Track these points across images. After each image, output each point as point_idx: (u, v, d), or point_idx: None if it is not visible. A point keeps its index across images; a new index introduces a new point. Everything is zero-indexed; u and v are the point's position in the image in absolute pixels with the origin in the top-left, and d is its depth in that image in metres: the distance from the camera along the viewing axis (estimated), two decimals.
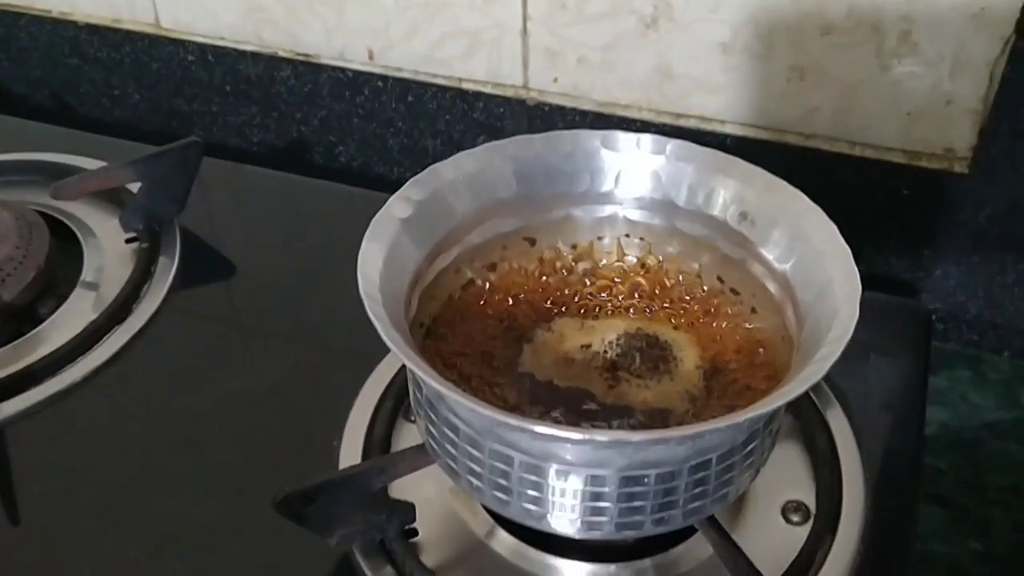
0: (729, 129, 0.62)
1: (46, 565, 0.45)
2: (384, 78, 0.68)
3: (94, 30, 0.75)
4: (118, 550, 0.45)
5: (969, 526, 0.57)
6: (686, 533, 0.43)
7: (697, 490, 0.36)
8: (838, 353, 0.34)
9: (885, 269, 0.63)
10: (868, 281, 0.56)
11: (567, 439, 0.33)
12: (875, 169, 0.60)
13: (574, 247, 0.47)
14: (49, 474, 0.49)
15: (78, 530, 0.46)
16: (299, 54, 0.70)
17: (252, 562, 0.45)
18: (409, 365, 0.34)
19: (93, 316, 0.55)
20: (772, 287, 0.42)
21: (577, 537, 0.38)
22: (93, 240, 0.60)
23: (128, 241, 0.60)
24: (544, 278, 0.47)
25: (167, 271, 0.58)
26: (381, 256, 0.39)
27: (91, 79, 0.78)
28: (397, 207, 0.41)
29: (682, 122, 0.63)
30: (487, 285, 0.46)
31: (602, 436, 0.32)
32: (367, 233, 0.39)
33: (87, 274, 0.58)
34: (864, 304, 0.55)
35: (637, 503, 0.36)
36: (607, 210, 0.46)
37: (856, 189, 0.61)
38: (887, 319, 0.54)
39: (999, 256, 0.60)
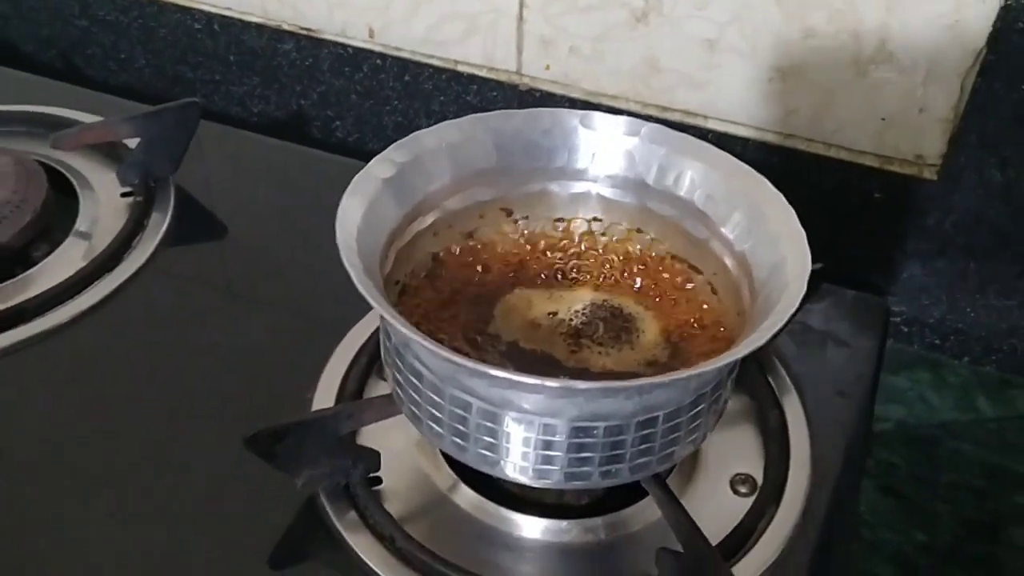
0: (712, 124, 0.64)
1: (26, 496, 0.47)
2: (383, 56, 0.71)
3: None
4: (94, 483, 0.47)
5: (917, 518, 0.59)
6: (636, 496, 0.46)
7: (644, 446, 0.38)
8: (781, 323, 0.36)
9: (854, 268, 0.65)
10: (836, 279, 0.58)
11: (521, 383, 0.35)
12: (849, 171, 0.62)
13: (548, 219, 0.49)
14: (32, 408, 0.51)
15: (56, 460, 0.48)
16: (302, 28, 0.72)
17: (222, 500, 0.47)
18: (379, 309, 0.36)
19: (83, 263, 0.57)
20: (731, 265, 0.44)
21: (528, 483, 0.40)
22: (89, 192, 0.62)
23: (123, 195, 0.62)
24: (517, 247, 0.49)
25: (159, 226, 0.60)
26: (360, 211, 0.41)
27: (99, 41, 0.80)
28: (379, 167, 0.43)
29: (667, 115, 0.65)
30: (461, 250, 0.48)
31: (553, 383, 0.34)
32: (348, 188, 0.42)
33: (81, 223, 0.60)
34: (825, 296, 0.57)
35: (586, 454, 0.38)
36: (582, 186, 0.48)
37: (830, 189, 0.63)
38: (847, 311, 0.56)
39: (962, 263, 0.62)
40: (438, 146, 0.46)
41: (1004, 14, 0.53)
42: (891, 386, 0.65)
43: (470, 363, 0.35)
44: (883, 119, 0.60)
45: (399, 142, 0.45)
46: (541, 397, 0.36)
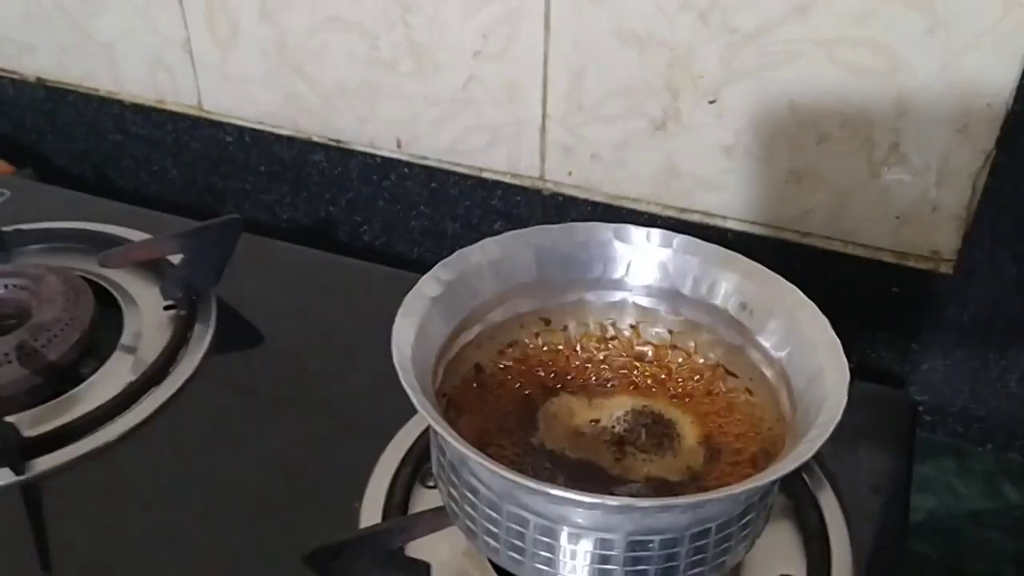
0: (731, 224, 0.67)
1: None
2: (410, 165, 0.73)
3: (139, 109, 0.80)
4: None
5: None
6: None
7: (697, 557, 0.39)
8: (827, 435, 0.38)
9: (875, 361, 0.67)
10: (859, 372, 0.60)
11: (580, 502, 0.36)
12: (866, 267, 0.64)
13: (586, 328, 0.51)
14: (82, 527, 0.52)
15: None
16: (332, 140, 0.75)
17: None
18: (438, 429, 0.38)
19: (131, 378, 0.58)
20: (769, 373, 0.46)
21: None
22: (133, 307, 0.64)
23: (166, 308, 0.64)
24: (557, 356, 0.50)
25: (203, 338, 0.62)
26: (413, 330, 0.43)
27: (132, 154, 0.83)
28: (428, 286, 0.45)
29: (686, 216, 0.68)
30: (504, 361, 0.49)
31: (613, 501, 0.36)
32: (401, 309, 0.43)
33: (127, 338, 0.62)
34: (854, 393, 0.59)
35: (642, 567, 0.39)
36: (618, 296, 0.50)
37: (849, 285, 0.65)
38: (875, 408, 0.58)
39: (981, 353, 0.64)
40: (481, 262, 0.48)
41: (1011, 117, 0.56)
42: (918, 475, 0.66)
43: (530, 482, 0.36)
44: (898, 217, 0.62)
45: (444, 261, 0.47)
46: (599, 513, 0.38)
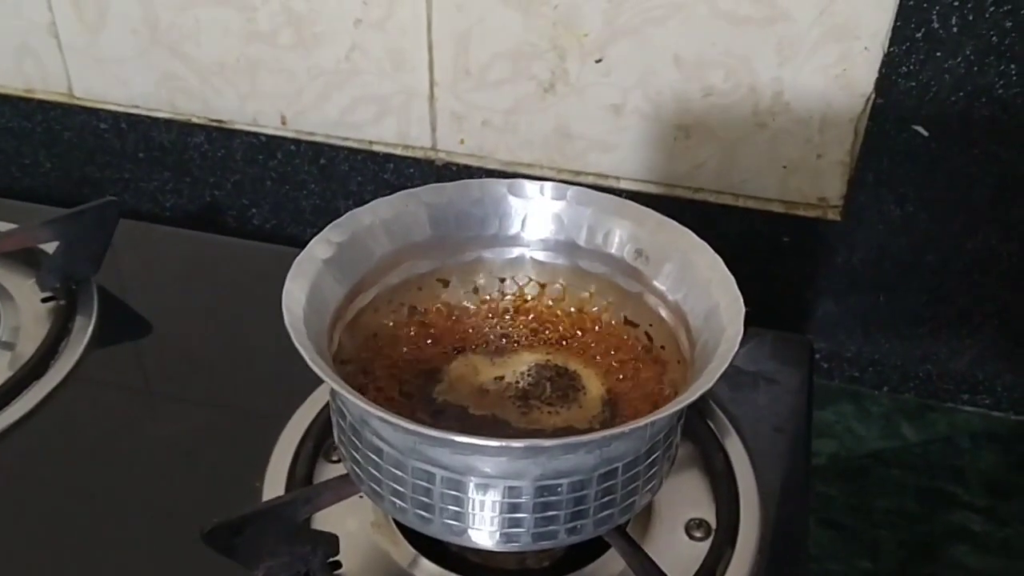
0: (624, 185, 0.67)
1: None
2: (297, 142, 0.71)
3: (5, 99, 0.76)
4: None
5: (859, 546, 0.61)
6: (596, 553, 0.46)
7: (606, 499, 0.39)
8: (725, 365, 0.38)
9: (772, 311, 0.68)
10: (757, 322, 0.61)
11: (486, 448, 0.35)
12: (757, 219, 0.65)
13: (485, 286, 0.50)
14: None
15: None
16: (212, 120, 0.72)
17: None
18: (337, 388, 0.37)
19: (8, 374, 0.55)
20: (667, 316, 0.46)
21: (496, 549, 0.40)
22: (9, 301, 0.60)
23: (44, 300, 0.61)
24: (457, 316, 0.49)
25: (84, 329, 0.59)
26: (304, 292, 0.42)
27: (2, 148, 0.79)
28: (319, 248, 0.44)
29: (581, 179, 0.67)
30: (403, 323, 0.48)
31: (518, 443, 0.35)
32: (291, 271, 0.42)
33: (3, 333, 0.58)
34: (752, 339, 0.60)
35: (551, 512, 0.38)
36: (515, 251, 0.49)
37: (741, 237, 0.66)
38: (772, 351, 0.59)
39: (872, 296, 0.66)
40: (373, 222, 0.46)
41: (888, 61, 0.57)
42: (819, 421, 0.68)
43: (434, 432, 0.35)
44: (785, 167, 0.63)
45: (336, 222, 0.45)
46: (505, 460, 0.37)
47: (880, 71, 0.58)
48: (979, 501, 0.64)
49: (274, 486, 0.50)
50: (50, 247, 0.61)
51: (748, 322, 0.53)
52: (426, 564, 0.46)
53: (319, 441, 0.52)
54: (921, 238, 0.63)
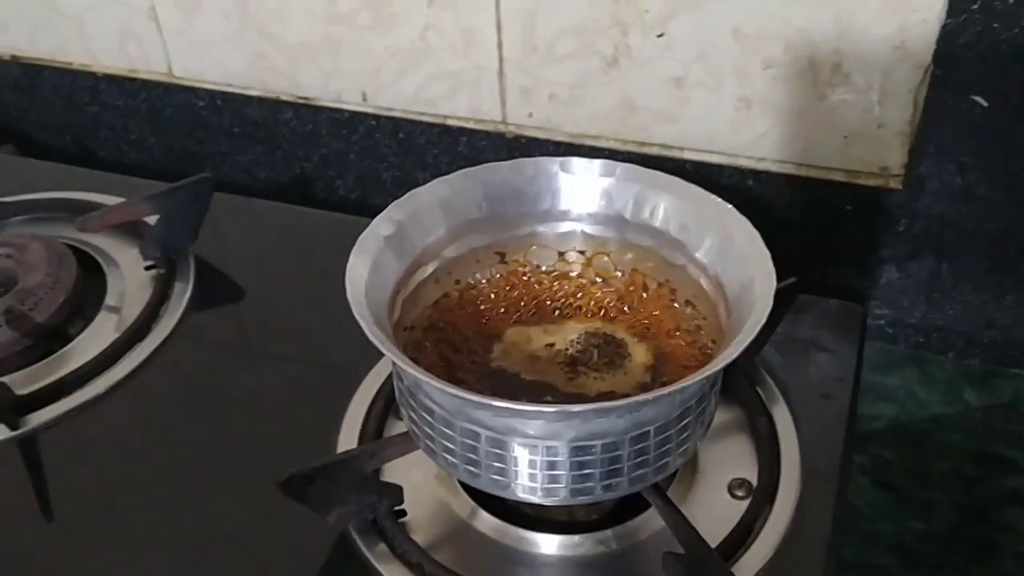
0: (688, 155, 0.69)
1: (80, 560, 0.51)
2: (377, 117, 0.75)
3: (112, 79, 0.82)
4: (142, 539, 0.51)
5: (913, 509, 0.63)
6: (641, 508, 0.49)
7: (639, 459, 0.42)
8: (751, 337, 0.40)
9: (836, 279, 0.69)
10: (820, 289, 0.62)
11: (522, 412, 0.39)
12: (819, 187, 0.66)
13: (539, 258, 0.53)
14: (78, 474, 0.55)
15: (105, 521, 0.52)
16: (300, 97, 0.77)
17: (261, 544, 0.51)
18: (389, 355, 0.41)
19: (116, 335, 0.61)
20: (708, 288, 0.48)
21: (538, 502, 0.43)
22: (115, 269, 0.67)
23: (147, 268, 0.66)
24: (512, 287, 0.53)
25: (183, 295, 0.65)
26: (366, 267, 0.46)
27: (109, 125, 0.85)
28: (381, 226, 0.48)
29: (645, 150, 0.69)
30: (462, 294, 0.52)
31: (549, 408, 0.38)
32: (354, 248, 0.46)
33: (110, 299, 0.64)
34: (807, 308, 0.61)
35: (587, 471, 0.42)
36: (567, 226, 0.52)
37: (804, 207, 0.67)
38: (827, 320, 0.60)
39: (935, 263, 0.66)
40: (432, 201, 0.50)
41: (945, 32, 0.57)
42: (881, 386, 0.69)
43: (475, 396, 0.39)
44: (846, 137, 0.64)
45: (396, 201, 0.49)
46: (541, 423, 0.40)
47: (937, 43, 0.58)
48: None
49: (348, 440, 0.54)
50: (152, 219, 0.67)
51: (807, 290, 0.55)
52: (483, 515, 0.50)
53: (389, 400, 0.56)
54: (982, 206, 0.63)
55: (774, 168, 0.67)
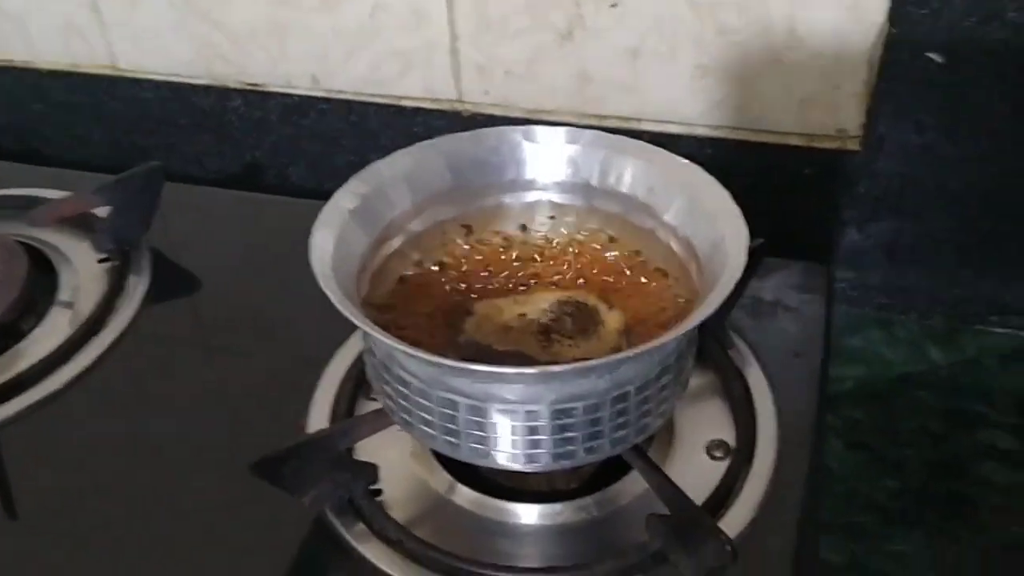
0: (645, 126, 0.68)
1: (43, 558, 0.49)
2: (328, 101, 0.74)
3: (55, 75, 0.80)
4: (111, 535, 0.50)
5: (885, 466, 0.63)
6: (621, 472, 0.49)
7: (620, 420, 0.42)
8: (726, 293, 0.40)
9: (796, 243, 0.69)
10: (781, 254, 0.62)
11: (503, 375, 0.38)
12: (777, 152, 0.66)
13: (507, 229, 0.52)
14: (37, 471, 0.53)
15: (68, 518, 0.50)
16: (248, 84, 0.75)
17: (237, 531, 0.49)
18: (361, 326, 0.40)
19: (70, 330, 0.59)
20: (678, 250, 0.48)
21: (519, 469, 0.43)
22: (67, 263, 0.65)
23: (100, 262, 0.65)
24: (481, 259, 0.52)
25: (138, 287, 0.63)
26: (331, 241, 0.44)
27: (54, 122, 0.83)
28: (344, 199, 0.47)
29: (605, 123, 0.69)
30: (430, 268, 0.51)
31: (531, 370, 0.38)
32: (317, 221, 0.45)
33: (64, 294, 0.63)
34: (773, 270, 0.61)
35: (569, 434, 0.41)
36: (533, 195, 0.52)
37: (763, 172, 0.67)
38: (793, 281, 0.61)
39: (896, 224, 0.67)
40: (395, 174, 0.49)
41: None
42: (847, 347, 0.69)
43: (452, 362, 0.38)
44: (802, 100, 0.64)
45: (358, 174, 0.48)
46: (521, 386, 0.40)
47: (891, 1, 0.58)
48: (1007, 419, 0.66)
49: (318, 423, 0.53)
50: (103, 212, 0.65)
51: (769, 253, 0.55)
52: (462, 489, 0.50)
53: (358, 381, 0.55)
54: (942, 164, 0.63)
55: (732, 135, 0.67)
